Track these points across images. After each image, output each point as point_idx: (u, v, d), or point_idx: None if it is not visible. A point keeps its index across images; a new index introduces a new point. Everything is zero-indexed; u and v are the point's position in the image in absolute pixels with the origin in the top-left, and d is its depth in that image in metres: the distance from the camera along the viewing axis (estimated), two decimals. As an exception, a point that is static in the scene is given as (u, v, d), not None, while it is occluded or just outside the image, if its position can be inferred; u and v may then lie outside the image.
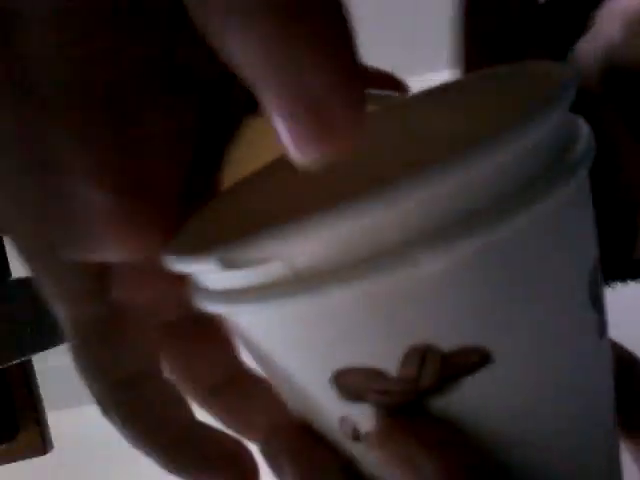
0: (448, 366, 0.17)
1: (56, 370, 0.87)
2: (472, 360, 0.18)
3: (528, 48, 0.28)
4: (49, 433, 1.11)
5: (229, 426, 0.26)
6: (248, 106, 0.23)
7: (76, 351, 0.23)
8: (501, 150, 0.16)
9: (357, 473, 0.21)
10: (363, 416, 0.19)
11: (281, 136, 0.14)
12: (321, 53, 0.13)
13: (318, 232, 0.16)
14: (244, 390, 0.26)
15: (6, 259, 0.85)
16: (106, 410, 0.23)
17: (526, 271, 0.17)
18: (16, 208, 0.21)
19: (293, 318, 0.17)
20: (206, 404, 0.26)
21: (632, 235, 0.21)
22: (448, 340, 0.17)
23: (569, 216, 0.18)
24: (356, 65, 0.14)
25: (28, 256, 0.22)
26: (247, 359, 0.24)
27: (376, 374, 0.18)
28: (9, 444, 1.08)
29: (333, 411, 0.19)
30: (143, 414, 0.23)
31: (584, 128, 0.19)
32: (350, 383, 0.18)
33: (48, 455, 1.11)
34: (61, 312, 0.23)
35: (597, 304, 0.19)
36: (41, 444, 1.11)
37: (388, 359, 0.18)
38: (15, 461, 1.10)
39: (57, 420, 1.10)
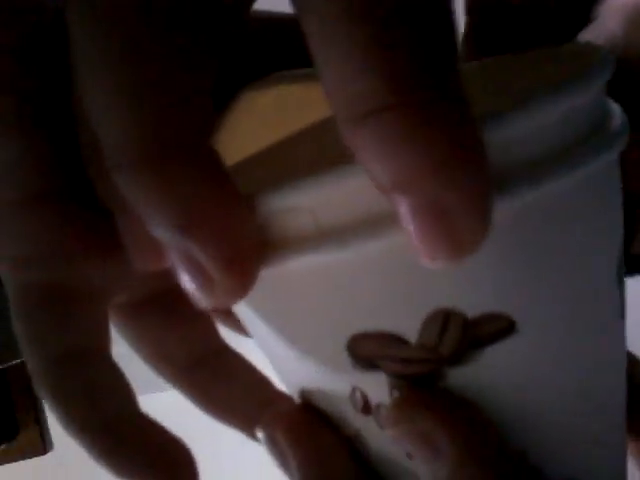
0: (471, 333, 0.17)
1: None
2: (496, 328, 0.17)
3: (528, 43, 0.28)
4: (49, 433, 1.11)
5: (207, 410, 0.25)
6: (243, 78, 0.23)
7: (18, 318, 0.22)
8: (560, 101, 0.15)
9: (360, 452, 0.20)
10: (376, 387, 0.18)
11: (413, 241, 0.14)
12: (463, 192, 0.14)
13: (342, 184, 0.15)
14: (223, 369, 0.25)
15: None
16: (41, 386, 0.22)
17: (560, 238, 0.17)
18: None
19: (313, 273, 0.17)
20: (182, 385, 0.25)
21: (630, 229, 0.21)
22: (472, 305, 0.16)
23: (607, 186, 0.18)
24: (489, 182, 0.14)
25: None
26: (236, 336, 0.23)
27: (394, 340, 0.17)
28: (9, 444, 1.08)
29: (344, 381, 0.18)
30: (80, 394, 0.22)
31: (616, 106, 0.19)
32: (366, 349, 0.17)
33: (48, 455, 1.11)
34: (7, 276, 0.22)
35: (621, 285, 0.19)
36: (41, 444, 1.11)
37: (408, 323, 0.17)
38: (15, 461, 1.10)
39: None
